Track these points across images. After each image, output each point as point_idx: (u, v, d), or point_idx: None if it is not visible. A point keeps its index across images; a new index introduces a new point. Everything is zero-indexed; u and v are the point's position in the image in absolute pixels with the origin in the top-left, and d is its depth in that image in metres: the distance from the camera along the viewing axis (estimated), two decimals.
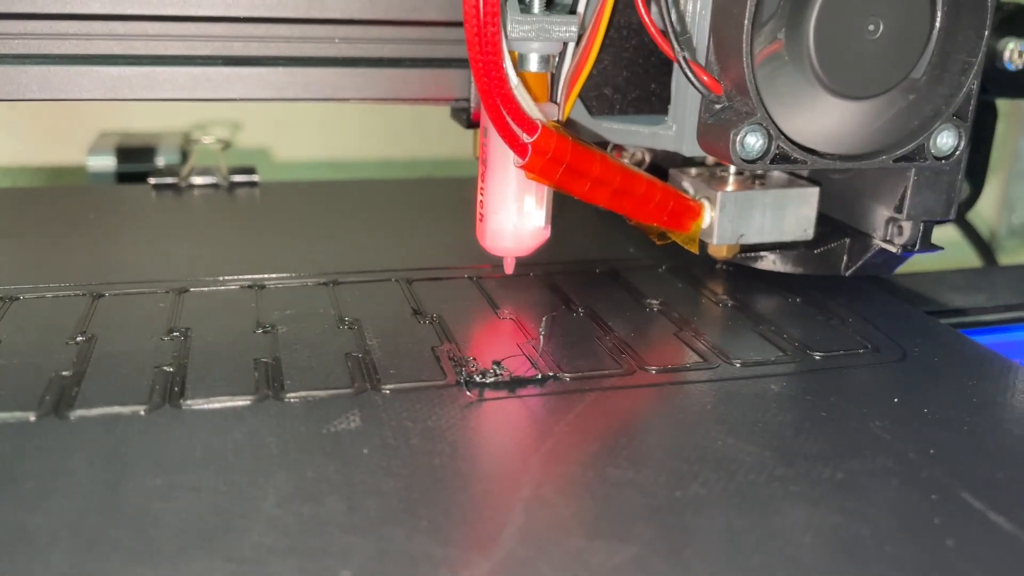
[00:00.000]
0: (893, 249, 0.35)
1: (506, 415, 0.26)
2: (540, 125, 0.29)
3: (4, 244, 0.39)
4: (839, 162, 0.32)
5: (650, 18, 0.31)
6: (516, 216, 0.33)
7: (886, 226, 0.36)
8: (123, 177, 0.53)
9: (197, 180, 0.47)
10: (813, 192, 0.36)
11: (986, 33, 0.31)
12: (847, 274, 0.37)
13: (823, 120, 0.32)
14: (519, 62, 0.32)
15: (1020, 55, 0.41)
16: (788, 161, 0.31)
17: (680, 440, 0.25)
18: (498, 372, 0.27)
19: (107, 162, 0.53)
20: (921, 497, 0.22)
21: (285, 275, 0.36)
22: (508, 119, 0.29)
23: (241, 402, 0.26)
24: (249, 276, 0.35)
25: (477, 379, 0.27)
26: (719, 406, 0.27)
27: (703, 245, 0.36)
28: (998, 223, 0.79)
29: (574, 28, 0.31)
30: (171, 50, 0.33)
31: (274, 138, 0.61)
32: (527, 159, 0.29)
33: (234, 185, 0.48)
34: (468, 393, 0.27)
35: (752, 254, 0.38)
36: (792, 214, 0.36)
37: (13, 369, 0.27)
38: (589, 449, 0.24)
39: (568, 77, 0.33)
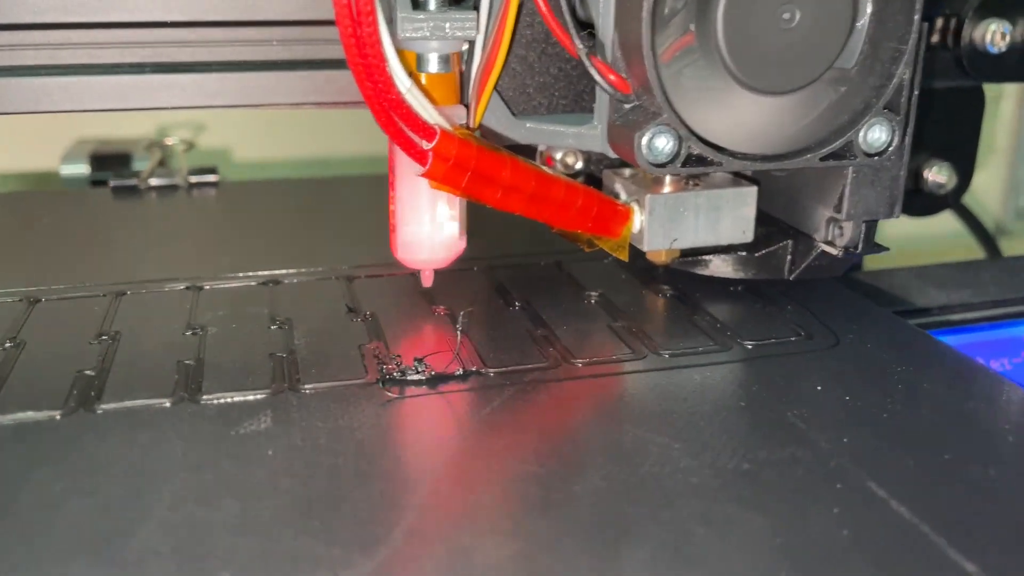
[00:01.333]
0: (834, 251, 0.34)
1: (421, 412, 0.26)
2: (439, 130, 0.28)
3: None
4: (760, 163, 0.31)
5: (550, 13, 0.29)
6: (428, 226, 0.32)
7: (827, 227, 0.35)
8: (97, 184, 0.53)
9: (156, 181, 0.47)
10: (751, 192, 0.35)
11: (916, 18, 0.30)
12: (791, 278, 0.36)
13: (741, 117, 0.31)
14: (418, 63, 0.30)
15: (1003, 37, 0.40)
16: (703, 163, 0.30)
17: (590, 433, 0.25)
18: (419, 369, 0.27)
19: (80, 169, 0.53)
20: (825, 486, 0.22)
21: (226, 275, 0.36)
22: (401, 125, 0.28)
23: (157, 404, 0.26)
24: (189, 278, 0.36)
25: (396, 376, 0.27)
26: (638, 398, 0.27)
27: (639, 251, 0.35)
28: (1004, 208, 0.77)
29: (473, 26, 0.29)
30: (97, 58, 0.33)
31: (239, 138, 0.61)
32: (427, 167, 0.28)
33: (193, 186, 0.47)
34: (387, 391, 0.27)
35: (693, 259, 0.37)
36: (728, 216, 0.35)
37: None
38: (497, 444, 0.25)
39: (477, 77, 0.31)
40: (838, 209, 0.34)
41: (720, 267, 0.37)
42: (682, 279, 0.35)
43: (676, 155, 0.29)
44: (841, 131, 0.31)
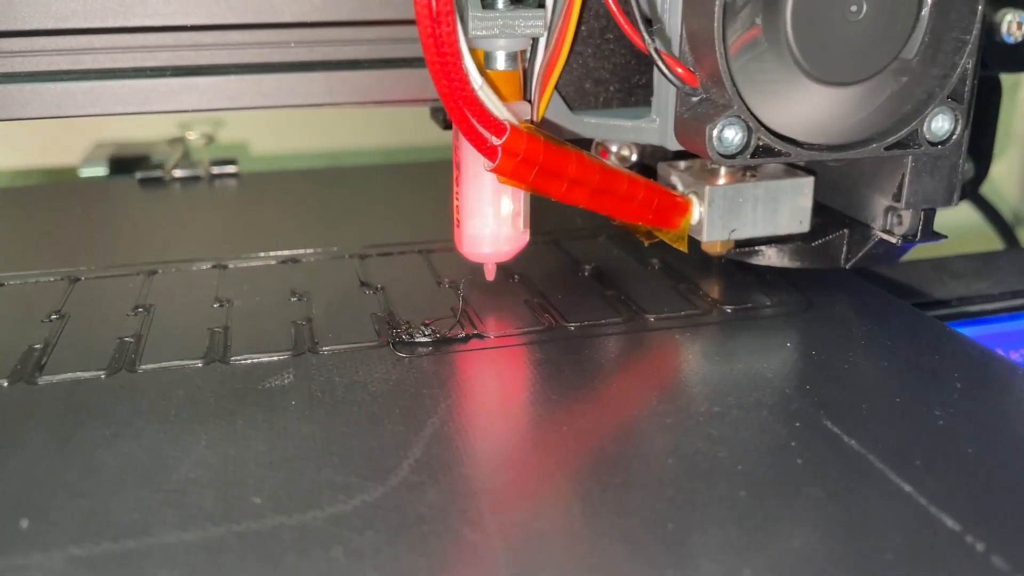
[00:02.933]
0: (893, 240, 0.36)
1: (427, 370, 0.31)
2: (509, 126, 0.30)
3: (23, 229, 0.48)
4: (826, 153, 0.33)
5: (619, 9, 0.31)
6: (493, 221, 0.34)
7: (885, 215, 0.36)
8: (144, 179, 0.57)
9: (179, 173, 0.50)
10: (808, 182, 0.37)
11: (980, 8, 0.32)
12: (847, 266, 0.38)
13: (807, 109, 0.33)
14: (486, 60, 0.33)
15: (1019, 27, 0.41)
16: (770, 154, 0.32)
17: (580, 383, 0.30)
18: (426, 333, 0.30)
19: (99, 171, 0.56)
20: (784, 425, 0.26)
21: (248, 256, 0.41)
22: (473, 122, 0.30)
23: (191, 365, 0.31)
24: (215, 259, 0.41)
25: (405, 339, 0.30)
26: (623, 355, 0.32)
27: (694, 242, 0.37)
28: (1022, 198, 0.79)
29: (541, 23, 0.32)
30: (119, 63, 0.35)
31: (257, 132, 0.64)
32: (497, 162, 0.30)
33: (215, 176, 0.51)
34: (398, 352, 0.32)
35: (748, 249, 0.39)
36: (786, 206, 0.37)
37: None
38: (495, 394, 0.30)
39: (541, 73, 0.34)
40: (897, 198, 0.35)
41: (775, 257, 0.39)
42: (667, 251, 0.38)
43: (745, 146, 0.32)
44: (905, 121, 0.33)
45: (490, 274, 0.36)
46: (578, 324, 0.34)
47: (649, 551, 0.21)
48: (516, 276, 0.39)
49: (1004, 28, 0.41)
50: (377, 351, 0.32)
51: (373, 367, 0.31)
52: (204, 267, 0.40)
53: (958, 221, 0.39)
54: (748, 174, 0.37)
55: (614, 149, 0.40)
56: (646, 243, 0.37)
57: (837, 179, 0.38)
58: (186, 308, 0.36)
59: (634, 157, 0.40)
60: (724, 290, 0.38)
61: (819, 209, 0.38)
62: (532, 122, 0.34)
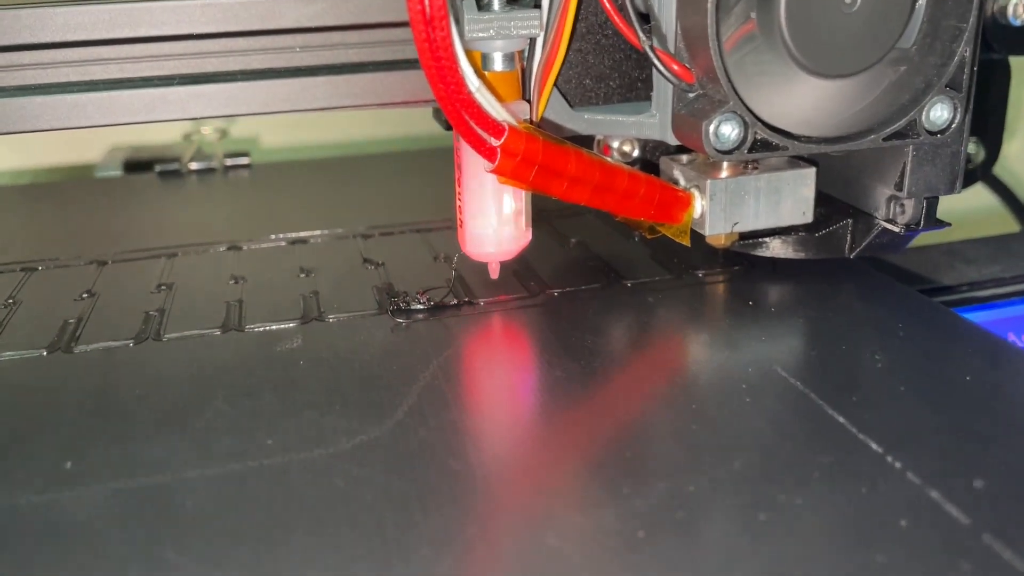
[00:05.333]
0: (896, 229, 0.37)
1: (422, 333, 0.36)
2: (507, 127, 0.32)
3: (52, 220, 0.52)
4: (824, 145, 0.35)
5: (613, 7, 0.33)
6: (495, 220, 0.36)
7: (888, 205, 0.38)
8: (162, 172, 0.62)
9: (195, 166, 0.54)
10: (809, 173, 0.38)
11: None
12: (852, 256, 0.39)
13: (804, 102, 0.35)
14: (483, 62, 0.34)
15: None
16: (768, 148, 0.34)
17: (556, 340, 0.34)
18: (422, 302, 0.33)
19: (114, 174, 0.60)
20: (738, 369, 0.29)
21: (260, 238, 0.45)
22: (472, 124, 0.31)
23: (210, 333, 0.35)
24: (229, 241, 0.45)
25: (403, 307, 0.33)
26: (597, 314, 0.36)
27: (699, 236, 0.38)
28: None
29: (536, 23, 0.33)
30: (127, 73, 0.36)
31: (266, 127, 0.68)
32: (496, 163, 0.32)
33: (229, 168, 0.55)
34: (396, 319, 0.36)
35: (752, 240, 0.40)
36: (788, 198, 0.38)
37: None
38: (481, 352, 0.34)
39: (539, 73, 0.35)
40: (899, 187, 0.37)
41: (780, 248, 0.40)
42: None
43: (742, 141, 0.33)
44: (903, 110, 0.35)
45: (494, 272, 0.38)
46: (560, 290, 0.37)
47: (610, 472, 0.25)
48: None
49: (1011, 11, 0.42)
50: (377, 319, 0.36)
51: (373, 332, 0.35)
52: (220, 249, 0.44)
53: (975, 204, 0.39)
54: (750, 166, 0.38)
55: (615, 145, 0.41)
56: (649, 237, 0.39)
57: (840, 169, 0.40)
58: (205, 285, 0.40)
59: (636, 152, 0.41)
60: (698, 258, 0.41)
61: (823, 199, 0.40)
62: (531, 122, 0.35)
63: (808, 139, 0.34)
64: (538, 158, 0.32)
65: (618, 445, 0.27)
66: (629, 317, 0.36)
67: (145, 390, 0.31)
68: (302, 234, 0.46)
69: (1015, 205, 0.62)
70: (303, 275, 0.40)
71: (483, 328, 0.36)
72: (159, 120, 0.37)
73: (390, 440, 0.27)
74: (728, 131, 0.33)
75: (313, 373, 0.31)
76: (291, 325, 0.36)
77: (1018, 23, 0.42)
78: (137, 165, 0.63)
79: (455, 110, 0.31)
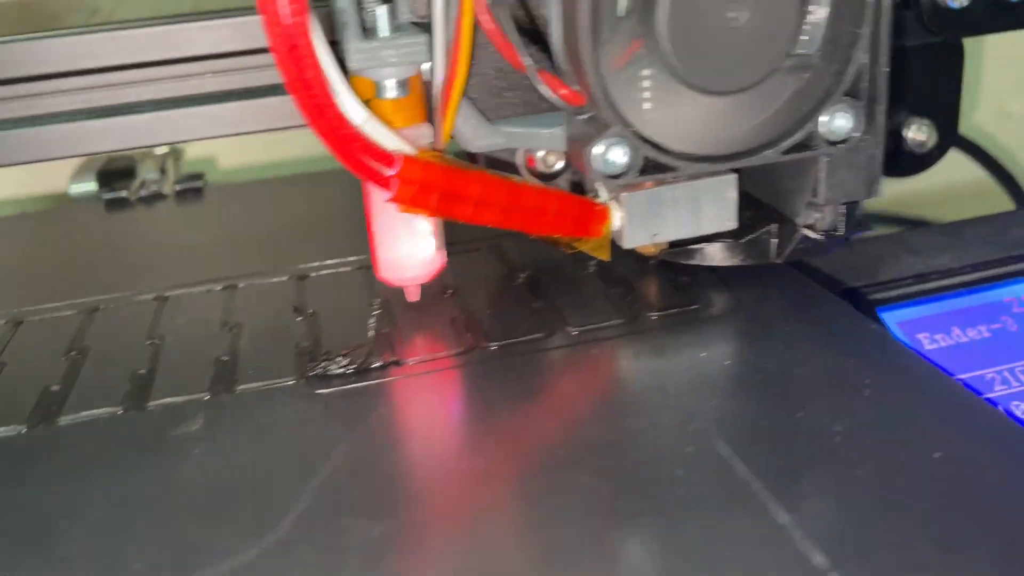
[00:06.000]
0: (816, 236, 0.36)
1: (336, 409, 0.32)
2: (400, 157, 0.31)
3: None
4: (720, 163, 0.33)
5: (497, 28, 0.32)
6: (407, 245, 0.36)
7: (807, 211, 0.36)
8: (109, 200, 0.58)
9: (143, 192, 0.51)
10: (730, 180, 0.37)
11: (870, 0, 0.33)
12: (780, 260, 0.38)
13: (698, 119, 0.33)
14: (377, 90, 0.33)
15: None
16: (660, 170, 0.33)
17: (476, 413, 0.32)
18: (343, 364, 0.30)
19: (89, 187, 0.57)
20: (676, 450, 0.25)
21: (189, 283, 0.42)
22: (362, 158, 0.30)
23: (112, 413, 0.32)
24: (155, 289, 0.42)
25: (320, 372, 0.30)
26: (533, 374, 0.33)
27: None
28: None
29: (422, 51, 0.32)
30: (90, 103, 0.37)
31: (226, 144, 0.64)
32: (394, 193, 0.31)
33: (180, 192, 0.51)
34: (315, 390, 0.33)
35: (681, 248, 0.39)
36: (709, 205, 0.36)
37: None
38: (395, 440, 0.30)
39: (440, 95, 0.34)
40: (815, 194, 0.36)
41: (710, 255, 0.39)
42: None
43: (631, 165, 0.32)
44: (802, 122, 0.33)
45: (412, 295, 0.38)
46: (499, 343, 0.34)
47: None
48: (450, 290, 0.39)
49: None
50: (294, 387, 0.33)
51: (284, 407, 0.32)
52: (146, 298, 0.41)
53: (969, 176, 0.37)
54: (671, 175, 0.37)
55: (540, 155, 0.39)
56: (568, 252, 0.38)
57: (763, 173, 0.38)
58: (118, 348, 0.37)
59: (560, 164, 0.39)
60: (652, 293, 0.38)
61: (751, 203, 0.39)
62: (433, 146, 0.34)
63: (704, 158, 0.32)
64: (438, 184, 0.31)
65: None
66: (566, 379, 0.33)
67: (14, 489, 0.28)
68: (234, 277, 0.42)
69: (1002, 176, 0.60)
70: (225, 328, 0.37)
71: (404, 401, 0.33)
72: (75, 155, 0.38)
73: (268, 564, 0.24)
74: (615, 156, 0.31)
75: (202, 467, 0.29)
76: (199, 397, 0.33)
77: (956, 6, 0.42)
78: (110, 175, 0.60)
79: (340, 147, 0.30)
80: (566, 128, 0.34)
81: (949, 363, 0.40)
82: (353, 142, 0.30)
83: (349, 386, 0.33)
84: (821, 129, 0.32)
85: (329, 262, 0.43)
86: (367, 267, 0.42)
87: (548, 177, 0.38)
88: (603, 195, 0.36)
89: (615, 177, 0.31)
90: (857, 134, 0.33)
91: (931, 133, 0.46)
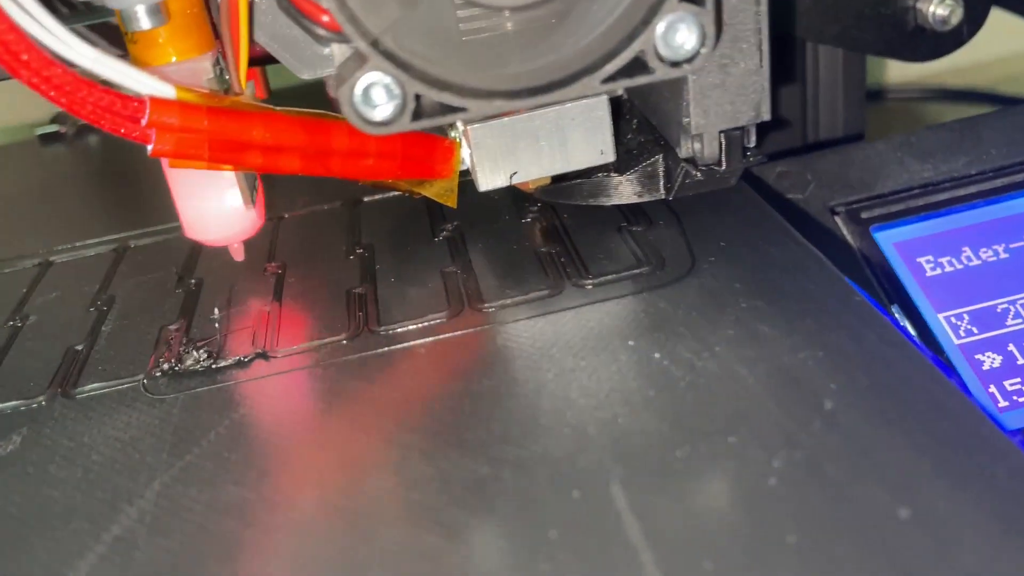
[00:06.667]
0: (695, 170, 0.30)
1: (177, 419, 0.26)
2: (148, 100, 0.26)
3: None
4: (520, 100, 0.26)
5: None
6: (210, 201, 0.31)
7: (684, 140, 0.30)
8: None
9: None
10: (600, 103, 0.30)
11: None
12: (670, 197, 0.32)
13: (493, 44, 0.26)
14: (125, 21, 0.28)
15: None
16: (441, 112, 0.27)
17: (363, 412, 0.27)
18: (199, 359, 0.25)
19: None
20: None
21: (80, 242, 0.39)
22: (96, 107, 0.25)
23: None
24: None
25: (169, 369, 0.26)
26: (441, 360, 0.28)
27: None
28: None
29: None
30: None
31: None
32: (152, 145, 0.26)
33: None
34: (160, 391, 0.28)
35: (562, 184, 0.34)
36: (578, 135, 0.30)
37: None
38: (246, 447, 0.25)
39: (226, 34, 0.28)
40: (687, 120, 0.29)
41: (594, 191, 0.33)
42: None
43: (402, 109, 0.25)
44: (630, 39, 0.26)
45: (237, 254, 0.34)
46: (387, 328, 0.29)
47: None
48: (359, 250, 0.33)
49: None
50: (132, 391, 0.28)
51: (120, 414, 0.27)
52: (27, 265, 0.36)
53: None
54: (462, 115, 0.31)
55: None
56: (415, 197, 0.32)
57: (649, 94, 0.32)
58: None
59: None
60: (593, 253, 0.31)
61: (644, 127, 0.33)
62: (230, 91, 0.29)
63: (500, 93, 0.25)
64: (204, 129, 0.26)
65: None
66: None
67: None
68: (126, 234, 0.37)
69: None
70: (93, 309, 0.32)
71: (268, 400, 0.27)
72: None
73: None
74: (379, 96, 0.25)
75: (18, 490, 0.24)
76: (34, 404, 0.28)
77: None
78: None
79: (63, 93, 0.24)
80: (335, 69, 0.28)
81: (955, 292, 0.33)
82: (79, 88, 0.24)
83: (199, 389, 0.27)
84: (658, 46, 0.25)
85: None
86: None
87: None
88: (455, 131, 0.31)
89: (382, 124, 0.25)
90: (706, 50, 0.25)
91: (955, 6, 0.36)
